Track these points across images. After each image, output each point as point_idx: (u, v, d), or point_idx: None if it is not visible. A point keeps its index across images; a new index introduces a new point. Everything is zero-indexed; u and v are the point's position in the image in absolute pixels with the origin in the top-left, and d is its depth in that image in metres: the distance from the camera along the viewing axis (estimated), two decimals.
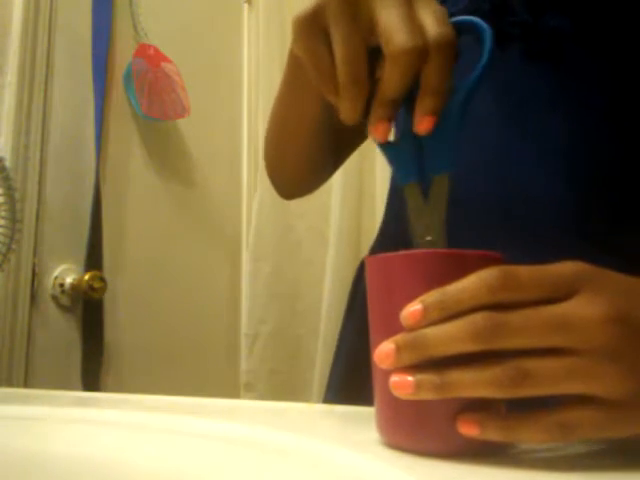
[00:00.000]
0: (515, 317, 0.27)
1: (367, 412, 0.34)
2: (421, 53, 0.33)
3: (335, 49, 0.35)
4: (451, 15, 0.36)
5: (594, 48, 0.48)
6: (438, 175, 0.35)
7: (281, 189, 0.68)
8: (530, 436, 0.28)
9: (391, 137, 0.38)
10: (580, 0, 0.49)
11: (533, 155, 0.48)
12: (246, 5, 1.75)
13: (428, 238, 0.35)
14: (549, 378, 0.27)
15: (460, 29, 0.35)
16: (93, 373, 1.22)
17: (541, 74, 0.49)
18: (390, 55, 0.33)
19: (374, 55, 0.35)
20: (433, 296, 0.29)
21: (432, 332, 0.28)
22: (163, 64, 1.43)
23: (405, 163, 0.37)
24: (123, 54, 1.37)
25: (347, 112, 0.36)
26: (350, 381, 0.58)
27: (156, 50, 1.41)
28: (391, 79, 0.34)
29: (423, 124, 0.35)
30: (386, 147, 0.37)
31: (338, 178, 1.46)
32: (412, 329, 0.29)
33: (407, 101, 0.36)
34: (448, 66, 0.34)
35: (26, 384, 1.11)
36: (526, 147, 0.49)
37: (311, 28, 0.36)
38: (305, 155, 0.61)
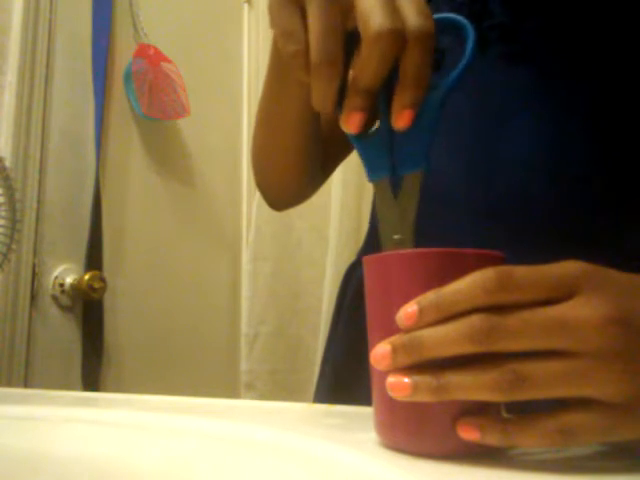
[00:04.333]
0: (512, 319, 0.27)
1: (367, 412, 0.34)
2: (399, 38, 0.31)
3: (310, 24, 0.33)
4: None
5: (573, 49, 0.48)
6: (410, 173, 0.34)
7: (269, 198, 0.66)
8: (530, 441, 0.27)
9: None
10: (558, 2, 0.49)
11: (514, 156, 0.48)
12: (246, 5, 1.75)
13: (396, 237, 0.34)
14: (548, 381, 0.26)
15: (442, 27, 0.34)
16: (93, 373, 1.22)
17: (520, 76, 0.49)
18: (367, 38, 0.32)
19: (351, 44, 0.34)
20: (428, 297, 0.28)
21: (428, 334, 0.28)
22: (163, 64, 1.43)
23: (376, 158, 0.35)
24: (123, 54, 1.37)
25: (319, 96, 0.34)
26: (336, 392, 0.58)
27: (156, 50, 1.41)
28: (367, 64, 0.32)
29: (401, 118, 0.33)
30: (358, 140, 0.36)
31: (338, 178, 1.46)
32: (408, 330, 0.29)
33: (384, 94, 0.34)
34: (427, 58, 0.32)
35: (26, 384, 1.11)
36: (506, 148, 0.49)
37: (286, 3, 0.34)
38: (292, 154, 0.59)
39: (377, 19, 0.31)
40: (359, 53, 0.33)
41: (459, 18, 0.36)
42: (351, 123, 0.34)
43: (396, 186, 0.34)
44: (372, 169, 0.36)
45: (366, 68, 0.33)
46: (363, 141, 0.36)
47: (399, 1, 0.33)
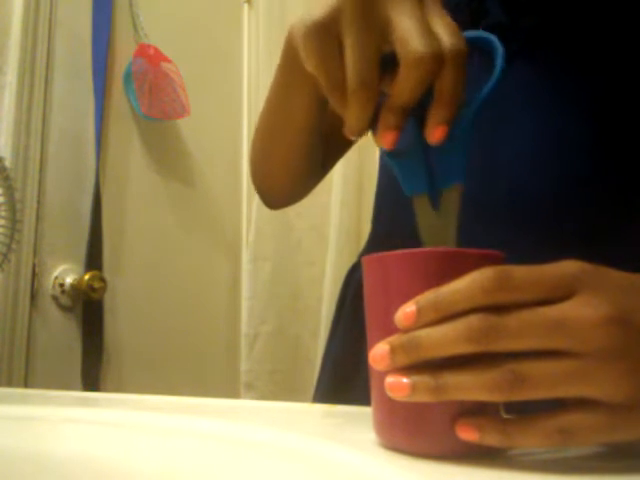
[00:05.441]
0: (511, 319, 0.27)
1: (367, 412, 0.34)
2: (437, 60, 0.33)
3: (347, 56, 0.34)
4: None
5: (572, 47, 0.48)
6: (448, 187, 0.35)
7: (267, 198, 0.66)
8: (530, 441, 0.27)
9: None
10: (556, 1, 0.49)
11: (515, 154, 0.48)
12: (246, 5, 1.75)
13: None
14: (547, 381, 0.26)
15: (471, 43, 0.35)
16: (93, 373, 1.22)
17: (520, 74, 0.49)
18: (406, 60, 0.33)
19: (383, 65, 0.35)
20: (427, 297, 0.28)
21: (426, 334, 0.28)
22: (163, 64, 1.43)
23: (414, 174, 0.36)
24: (123, 54, 1.37)
25: (354, 121, 0.35)
26: (336, 392, 0.58)
27: (156, 50, 1.41)
28: (405, 85, 0.33)
29: (436, 134, 0.34)
30: (395, 157, 0.37)
31: (338, 178, 1.46)
32: (407, 330, 0.29)
33: (416, 112, 0.35)
34: (462, 77, 0.34)
35: (26, 384, 1.11)
36: (507, 146, 0.49)
37: (325, 35, 0.35)
38: (292, 160, 0.60)
39: (417, 44, 0.32)
40: (394, 74, 0.34)
41: (491, 37, 0.37)
42: (387, 141, 0.35)
43: (436, 200, 0.36)
44: (410, 185, 0.37)
45: (404, 87, 0.34)
46: (399, 158, 0.37)
47: (432, 21, 0.34)
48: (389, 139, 0.35)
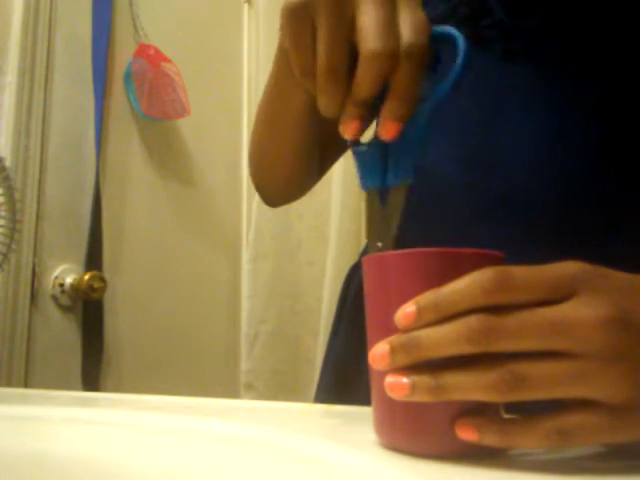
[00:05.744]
0: (510, 319, 0.27)
1: (367, 412, 0.34)
2: (392, 58, 0.34)
3: (318, 42, 0.36)
4: (430, 20, 0.36)
5: (573, 46, 0.48)
6: (395, 186, 0.36)
7: (264, 194, 0.67)
8: (529, 442, 0.27)
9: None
10: (558, 0, 0.49)
11: (514, 154, 0.48)
12: (246, 5, 1.75)
13: (378, 244, 0.36)
14: (546, 382, 0.26)
15: (437, 39, 0.35)
16: (93, 373, 1.22)
17: (521, 73, 0.49)
18: (362, 56, 0.34)
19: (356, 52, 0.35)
20: (427, 297, 0.28)
21: (426, 334, 0.28)
22: (163, 64, 1.43)
23: (370, 168, 0.37)
24: (123, 54, 1.37)
25: (325, 106, 0.37)
26: (337, 392, 0.58)
27: (156, 50, 1.41)
28: (362, 80, 0.35)
29: (388, 130, 0.35)
30: (355, 148, 0.38)
31: (338, 177, 1.46)
32: (407, 330, 0.29)
33: (379, 106, 0.36)
34: (417, 74, 0.34)
35: (26, 384, 1.11)
36: (506, 147, 0.49)
37: (300, 18, 0.36)
38: (288, 155, 0.59)
39: (373, 39, 0.33)
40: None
41: (453, 31, 0.36)
42: (349, 130, 0.36)
43: (384, 197, 0.36)
44: (364, 178, 0.37)
45: (362, 82, 0.35)
46: (359, 150, 0.37)
47: (400, 17, 0.35)
48: (351, 128, 0.36)
